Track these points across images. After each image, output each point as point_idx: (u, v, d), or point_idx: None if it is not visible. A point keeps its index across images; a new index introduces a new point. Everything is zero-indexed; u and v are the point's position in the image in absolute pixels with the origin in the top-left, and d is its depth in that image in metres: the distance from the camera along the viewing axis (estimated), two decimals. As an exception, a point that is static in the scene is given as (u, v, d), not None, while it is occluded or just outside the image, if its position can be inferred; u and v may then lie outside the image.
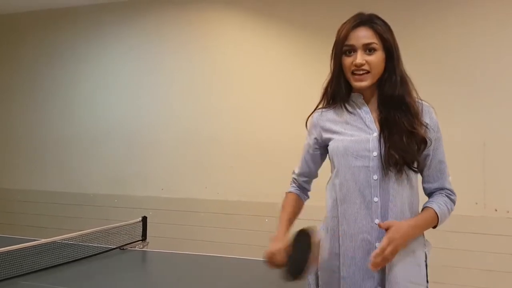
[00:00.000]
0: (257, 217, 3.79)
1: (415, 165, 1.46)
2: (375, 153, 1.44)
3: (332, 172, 1.56)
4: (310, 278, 1.57)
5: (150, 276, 2.94)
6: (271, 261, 1.43)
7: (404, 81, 1.50)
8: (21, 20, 5.12)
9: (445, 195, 1.52)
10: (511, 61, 3.38)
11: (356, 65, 1.44)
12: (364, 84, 1.46)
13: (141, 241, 3.54)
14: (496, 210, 3.33)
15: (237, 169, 4.09)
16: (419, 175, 1.53)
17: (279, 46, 4.05)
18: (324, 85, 1.58)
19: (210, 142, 4.23)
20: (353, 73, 1.46)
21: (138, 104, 4.55)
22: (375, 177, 1.43)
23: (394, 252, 1.35)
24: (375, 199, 1.43)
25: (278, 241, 1.45)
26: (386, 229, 1.37)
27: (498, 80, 3.41)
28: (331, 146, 1.52)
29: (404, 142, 1.42)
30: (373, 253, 1.34)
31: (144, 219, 3.64)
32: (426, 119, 1.48)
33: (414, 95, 1.51)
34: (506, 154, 3.35)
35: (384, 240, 1.34)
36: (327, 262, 1.51)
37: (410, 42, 3.60)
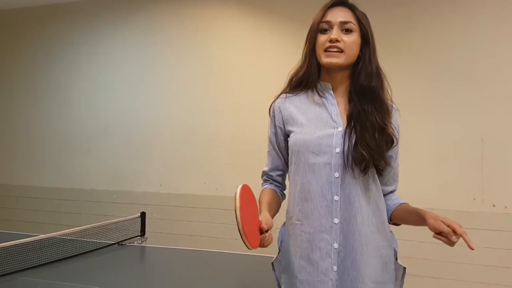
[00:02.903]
0: (255, 212, 3.78)
1: (382, 165, 1.39)
2: (338, 150, 1.37)
3: (290, 165, 1.48)
4: (275, 280, 1.52)
5: (148, 272, 2.94)
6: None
7: (379, 75, 1.43)
8: (18, 16, 5.10)
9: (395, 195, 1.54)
10: (510, 57, 3.37)
11: (331, 41, 1.38)
12: (335, 61, 1.38)
13: (139, 237, 3.54)
14: (494, 206, 3.34)
15: (235, 165, 4.09)
16: None
17: (277, 42, 4.04)
18: (292, 71, 1.52)
19: (209, 139, 4.22)
20: (325, 50, 1.39)
21: (137, 100, 4.54)
22: (336, 175, 1.36)
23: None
24: (336, 197, 1.36)
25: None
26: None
27: (496, 76, 3.40)
28: (292, 140, 1.45)
29: (376, 139, 1.36)
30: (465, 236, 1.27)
31: (143, 215, 3.64)
32: (392, 120, 1.44)
33: (388, 91, 1.45)
34: (504, 150, 3.35)
35: (454, 224, 1.28)
36: (288, 264, 1.45)
37: (407, 38, 3.60)
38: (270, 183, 1.57)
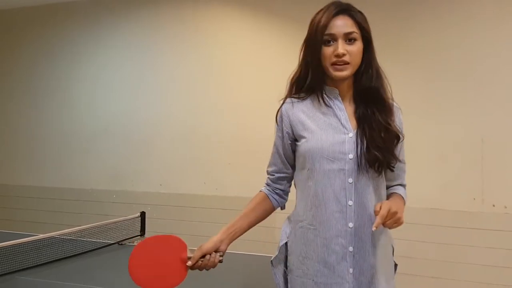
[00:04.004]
0: (255, 212, 3.78)
1: (393, 163, 1.42)
2: (351, 156, 1.39)
3: (301, 170, 1.49)
4: (274, 276, 1.54)
5: (148, 271, 2.94)
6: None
7: (379, 75, 1.45)
8: (18, 15, 5.10)
9: (403, 187, 1.56)
10: (508, 57, 3.38)
11: (337, 55, 1.38)
12: (344, 74, 1.40)
13: (139, 236, 3.54)
14: (494, 206, 3.34)
15: (235, 165, 4.09)
16: None
17: (277, 43, 4.05)
18: (292, 77, 1.52)
19: (209, 139, 4.23)
20: (333, 64, 1.40)
21: (137, 100, 4.54)
22: (350, 180, 1.39)
23: (394, 212, 1.29)
24: (350, 202, 1.38)
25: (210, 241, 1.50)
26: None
27: (495, 76, 3.40)
28: (304, 146, 1.45)
29: (383, 140, 1.39)
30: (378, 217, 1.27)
31: (143, 214, 3.65)
32: (396, 118, 1.46)
33: (388, 90, 1.47)
34: (504, 150, 3.35)
35: (383, 206, 1.29)
36: (299, 268, 1.46)
37: (406, 39, 3.61)
38: (268, 185, 1.59)
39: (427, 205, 3.42)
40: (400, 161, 1.47)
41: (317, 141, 1.42)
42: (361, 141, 1.40)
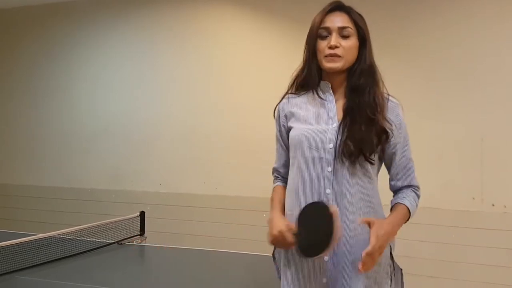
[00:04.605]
0: (254, 212, 3.77)
1: (373, 157, 1.43)
2: (331, 145, 1.43)
3: (290, 158, 1.55)
4: (276, 271, 1.57)
5: (148, 271, 2.95)
6: (279, 240, 1.39)
7: (373, 71, 1.48)
8: (18, 15, 5.10)
9: (412, 190, 1.54)
10: (508, 56, 3.38)
11: (330, 47, 1.43)
12: (335, 65, 1.44)
13: (139, 236, 3.55)
14: (493, 205, 3.34)
15: (235, 164, 4.09)
16: (382, 170, 1.53)
17: (277, 43, 4.05)
18: (294, 73, 1.56)
19: (208, 139, 4.23)
20: (326, 56, 1.45)
21: (137, 100, 4.54)
22: (329, 169, 1.42)
23: (381, 250, 1.32)
24: (327, 191, 1.41)
25: (279, 221, 1.42)
26: (369, 225, 1.34)
27: (495, 75, 3.40)
28: (291, 135, 1.52)
29: (363, 131, 1.40)
30: (364, 252, 1.29)
31: (142, 214, 3.65)
32: (391, 115, 1.46)
33: (381, 87, 1.48)
34: (504, 150, 3.35)
35: (372, 238, 1.30)
36: (282, 253, 1.51)
37: (406, 38, 3.61)
38: (280, 179, 1.64)
39: (426, 204, 3.39)
40: (376, 152, 1.45)
41: (301, 130, 1.48)
42: (342, 132, 1.43)
